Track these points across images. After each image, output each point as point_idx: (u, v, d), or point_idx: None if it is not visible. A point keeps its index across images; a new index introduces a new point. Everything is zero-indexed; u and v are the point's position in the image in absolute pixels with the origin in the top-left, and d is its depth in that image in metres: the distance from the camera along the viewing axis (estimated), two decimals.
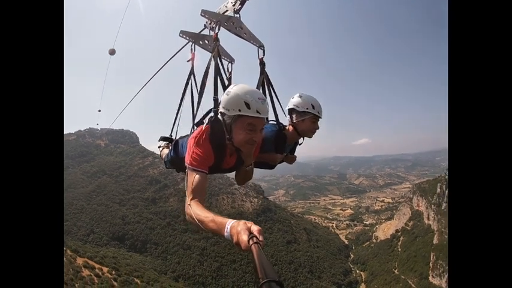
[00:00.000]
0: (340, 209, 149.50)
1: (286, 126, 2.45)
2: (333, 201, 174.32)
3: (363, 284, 76.44)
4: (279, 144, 2.37)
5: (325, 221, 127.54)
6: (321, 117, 2.36)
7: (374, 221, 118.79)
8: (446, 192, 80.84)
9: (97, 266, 39.14)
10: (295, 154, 2.77)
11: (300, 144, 2.67)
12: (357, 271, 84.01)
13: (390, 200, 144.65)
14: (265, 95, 2.41)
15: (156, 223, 69.95)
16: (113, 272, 40.41)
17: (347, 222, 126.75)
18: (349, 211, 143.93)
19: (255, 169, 2.27)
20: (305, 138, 2.50)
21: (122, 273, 41.73)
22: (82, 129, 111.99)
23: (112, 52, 6.55)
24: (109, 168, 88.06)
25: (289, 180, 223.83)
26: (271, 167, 2.54)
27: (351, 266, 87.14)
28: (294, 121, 2.35)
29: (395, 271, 74.12)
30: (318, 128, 2.39)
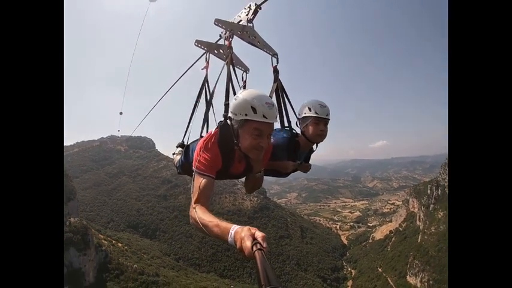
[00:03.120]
0: (349, 212, 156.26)
1: (298, 133, 2.46)
2: (344, 203, 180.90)
3: (350, 280, 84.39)
4: (292, 152, 2.38)
5: (330, 222, 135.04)
6: (323, 117, 2.32)
7: (378, 223, 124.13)
8: (434, 194, 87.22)
9: (114, 241, 55.29)
10: (309, 162, 2.73)
11: (313, 151, 2.68)
12: (349, 269, 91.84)
13: (400, 203, 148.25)
14: (279, 102, 2.50)
15: (166, 215, 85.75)
16: (125, 247, 56.39)
17: (351, 224, 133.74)
18: (357, 213, 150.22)
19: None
20: (318, 143, 2.50)
21: (133, 249, 57.68)
22: (104, 136, 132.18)
23: None
24: (128, 170, 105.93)
25: (302, 183, 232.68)
26: (285, 175, 2.53)
27: (345, 263, 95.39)
28: (301, 129, 2.40)
29: (380, 269, 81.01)
30: (323, 130, 2.35)
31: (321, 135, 2.35)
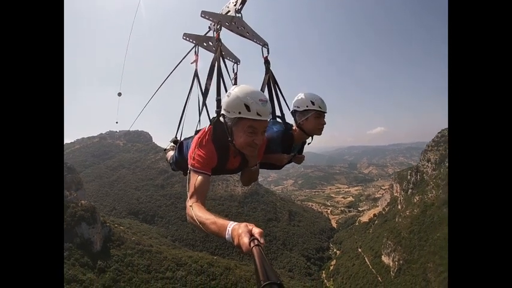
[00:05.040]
0: (342, 197, 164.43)
1: (293, 126, 2.47)
2: (338, 189, 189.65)
3: (335, 260, 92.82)
4: (286, 145, 2.42)
5: (322, 207, 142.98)
6: (324, 112, 2.38)
7: (368, 208, 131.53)
8: (413, 179, 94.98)
9: (116, 224, 65.83)
10: (303, 154, 2.78)
11: (308, 144, 2.73)
12: (334, 250, 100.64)
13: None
14: (271, 94, 2.53)
15: (163, 203, 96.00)
16: (127, 229, 67.03)
17: (342, 208, 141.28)
18: (350, 199, 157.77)
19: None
20: (314, 136, 2.50)
21: (134, 231, 68.35)
22: (103, 132, 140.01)
23: None
24: (127, 163, 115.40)
25: (299, 170, 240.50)
26: (279, 167, 2.57)
27: (331, 245, 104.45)
28: (298, 122, 2.40)
29: (359, 249, 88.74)
30: (324, 124, 2.41)
31: (321, 129, 2.44)
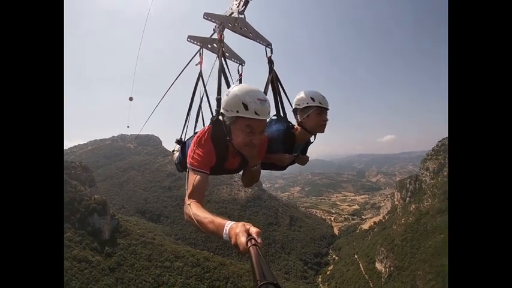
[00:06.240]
0: (347, 205, 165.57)
1: (294, 124, 2.46)
2: (345, 197, 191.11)
3: (332, 265, 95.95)
4: (288, 144, 2.40)
5: (325, 214, 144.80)
6: (326, 108, 2.38)
7: (371, 216, 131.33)
8: (411, 188, 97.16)
9: (124, 221, 73.06)
10: (307, 154, 2.75)
11: (311, 143, 2.69)
12: (334, 256, 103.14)
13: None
14: (274, 93, 2.58)
15: (169, 203, 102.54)
16: (134, 225, 74.14)
17: (346, 216, 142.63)
18: (355, 207, 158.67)
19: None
20: (318, 135, 2.50)
21: (140, 227, 75.36)
22: (115, 135, 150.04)
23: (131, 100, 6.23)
24: (137, 165, 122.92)
25: (307, 177, 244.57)
26: (282, 168, 2.55)
27: (331, 251, 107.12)
28: (300, 120, 2.40)
29: (356, 256, 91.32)
30: (326, 120, 2.40)
31: (324, 126, 2.42)
